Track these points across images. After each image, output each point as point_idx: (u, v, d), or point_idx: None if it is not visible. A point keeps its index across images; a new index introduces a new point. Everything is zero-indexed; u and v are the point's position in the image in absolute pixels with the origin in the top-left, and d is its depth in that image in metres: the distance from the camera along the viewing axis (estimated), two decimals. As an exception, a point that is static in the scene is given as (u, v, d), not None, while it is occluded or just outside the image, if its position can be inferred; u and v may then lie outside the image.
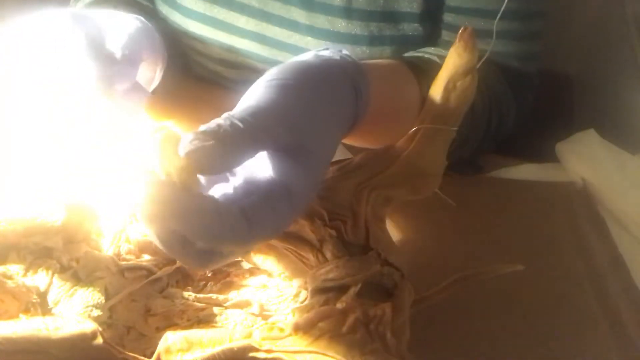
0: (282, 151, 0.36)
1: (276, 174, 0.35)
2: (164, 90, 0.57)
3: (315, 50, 0.43)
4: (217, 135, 0.32)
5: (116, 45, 0.48)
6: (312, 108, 0.37)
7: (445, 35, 0.62)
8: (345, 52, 0.43)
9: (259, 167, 0.36)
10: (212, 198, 0.33)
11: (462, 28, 0.47)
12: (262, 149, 0.35)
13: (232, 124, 0.33)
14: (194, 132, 0.32)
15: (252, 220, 0.33)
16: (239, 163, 0.34)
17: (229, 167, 0.34)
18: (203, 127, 0.33)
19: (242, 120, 0.34)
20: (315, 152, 0.37)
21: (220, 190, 0.36)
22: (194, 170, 0.32)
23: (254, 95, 0.37)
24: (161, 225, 0.32)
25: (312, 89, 0.38)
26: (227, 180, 0.37)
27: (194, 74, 0.74)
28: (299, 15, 0.62)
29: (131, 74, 0.49)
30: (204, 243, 0.33)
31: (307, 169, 0.36)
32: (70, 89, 0.46)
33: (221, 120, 0.34)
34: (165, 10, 0.68)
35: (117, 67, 0.46)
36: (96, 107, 0.48)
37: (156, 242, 0.32)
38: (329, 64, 0.41)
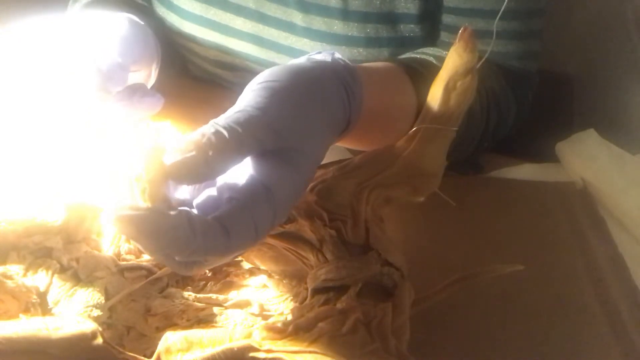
0: (268, 154, 0.35)
1: (258, 176, 0.35)
2: (161, 91, 0.57)
3: (307, 55, 0.43)
4: (199, 145, 0.32)
5: (106, 51, 0.48)
6: (301, 110, 0.37)
7: (444, 36, 0.62)
8: (337, 55, 0.43)
9: (244, 168, 0.36)
10: (185, 214, 0.32)
11: (462, 28, 0.47)
12: (248, 154, 0.35)
13: (216, 132, 0.33)
14: (177, 143, 0.32)
15: (231, 231, 0.33)
16: (223, 171, 0.34)
17: (212, 176, 0.34)
18: (186, 138, 0.33)
19: (226, 128, 0.33)
20: (302, 154, 0.36)
21: (207, 193, 0.36)
22: (165, 185, 0.32)
23: (243, 99, 0.37)
24: (139, 244, 0.32)
25: (300, 91, 0.38)
26: (214, 182, 0.37)
27: (192, 75, 0.74)
28: (295, 17, 0.62)
29: (122, 78, 0.48)
30: (182, 258, 0.33)
31: (291, 171, 0.36)
32: (68, 90, 0.47)
33: (205, 128, 0.33)
34: (161, 11, 0.68)
35: (107, 73, 0.46)
36: (94, 111, 0.48)
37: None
38: (320, 67, 0.41)
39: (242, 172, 0.35)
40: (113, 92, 0.47)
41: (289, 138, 0.36)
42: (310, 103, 0.38)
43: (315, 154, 0.38)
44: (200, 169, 0.32)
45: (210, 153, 0.32)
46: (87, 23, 0.50)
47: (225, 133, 0.33)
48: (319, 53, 0.43)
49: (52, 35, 0.47)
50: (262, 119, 0.35)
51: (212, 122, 0.34)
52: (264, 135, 0.35)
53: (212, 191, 0.36)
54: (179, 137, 0.34)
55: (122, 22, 0.51)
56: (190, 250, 0.32)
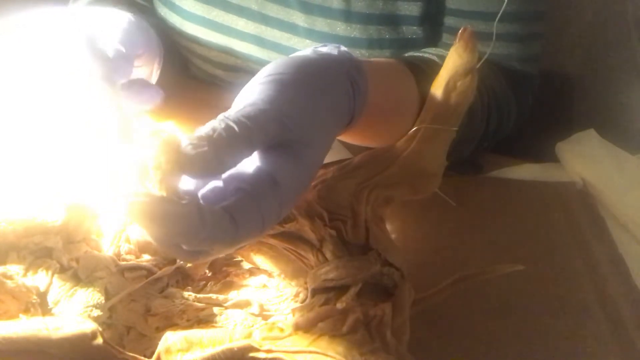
0: (274, 145, 0.36)
1: (265, 167, 0.35)
2: (163, 91, 0.57)
3: (313, 47, 0.43)
4: (211, 140, 0.32)
5: (109, 42, 0.48)
6: (308, 103, 0.37)
7: (445, 38, 0.62)
8: (343, 48, 0.43)
9: (250, 159, 0.36)
10: (195, 203, 0.33)
11: (462, 28, 0.47)
12: (258, 147, 0.35)
13: (227, 127, 0.33)
14: (189, 138, 0.32)
15: (238, 221, 0.33)
16: (234, 164, 0.34)
17: (223, 170, 0.34)
18: (198, 132, 0.33)
19: (236, 122, 0.34)
20: (307, 147, 0.37)
21: (212, 184, 0.36)
22: (180, 175, 0.32)
23: (251, 92, 0.37)
24: (149, 232, 0.32)
25: (307, 84, 0.38)
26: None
27: (193, 75, 0.74)
28: (298, 18, 0.62)
29: (127, 69, 0.48)
30: (190, 247, 0.33)
31: (297, 163, 0.36)
32: (68, 87, 0.46)
33: (216, 122, 0.34)
34: (163, 11, 0.68)
35: (111, 63, 0.46)
36: (96, 105, 0.48)
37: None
38: (327, 60, 0.41)
39: (248, 163, 0.36)
40: (118, 84, 0.47)
41: (296, 131, 0.36)
42: (317, 96, 0.38)
43: (321, 147, 0.39)
44: (212, 163, 0.32)
45: (222, 148, 0.32)
46: (91, 17, 0.50)
47: (236, 127, 0.33)
48: (325, 46, 0.43)
49: (55, 29, 0.47)
50: (271, 112, 0.35)
51: (222, 116, 0.34)
52: (273, 129, 0.35)
53: (217, 182, 0.36)
54: (190, 132, 0.34)
55: (125, 17, 0.51)
56: (199, 239, 0.32)
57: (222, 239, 0.33)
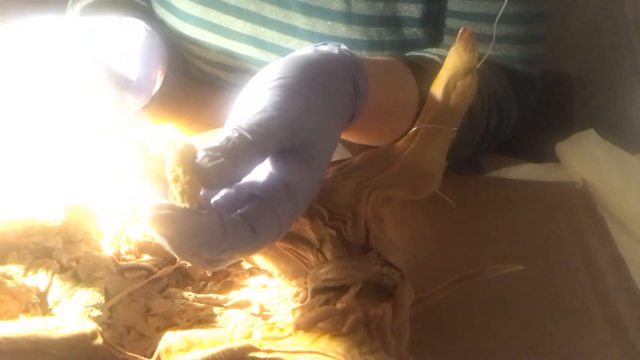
0: (284, 150, 0.36)
1: (277, 173, 0.36)
2: (162, 92, 0.57)
3: (313, 45, 0.43)
4: (226, 150, 0.32)
5: (133, 62, 0.48)
6: (315, 106, 0.38)
7: (447, 40, 0.62)
8: (343, 46, 0.43)
9: (261, 164, 0.36)
10: (217, 214, 0.33)
11: (462, 28, 0.47)
12: (270, 154, 0.35)
13: (240, 136, 0.33)
14: (204, 149, 0.32)
15: (257, 229, 0.33)
16: (248, 173, 0.34)
17: (238, 180, 0.34)
18: (212, 142, 0.33)
19: (249, 130, 0.34)
20: (316, 149, 0.37)
21: (224, 190, 0.36)
22: (200, 186, 0.32)
23: (259, 99, 0.37)
24: (170, 243, 0.32)
25: (314, 87, 0.38)
26: None
27: (192, 76, 0.74)
28: (297, 20, 0.62)
29: (149, 88, 0.49)
30: (210, 256, 0.33)
31: (307, 166, 0.36)
32: (68, 88, 0.47)
33: (229, 132, 0.34)
34: (161, 12, 0.68)
35: (134, 85, 0.47)
36: (98, 108, 0.48)
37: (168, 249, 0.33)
38: (330, 60, 0.41)
39: (260, 169, 0.36)
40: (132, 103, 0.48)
41: (305, 135, 0.36)
42: (323, 98, 0.38)
43: (328, 147, 0.39)
44: (229, 174, 0.32)
45: (237, 157, 0.33)
46: (104, 30, 0.50)
47: (249, 136, 0.33)
48: (325, 44, 0.43)
49: (57, 33, 0.47)
50: (282, 119, 0.36)
51: (234, 125, 0.34)
52: (284, 135, 0.35)
53: (229, 189, 0.36)
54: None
55: (141, 32, 0.51)
56: (221, 249, 0.32)
57: (243, 247, 0.34)
